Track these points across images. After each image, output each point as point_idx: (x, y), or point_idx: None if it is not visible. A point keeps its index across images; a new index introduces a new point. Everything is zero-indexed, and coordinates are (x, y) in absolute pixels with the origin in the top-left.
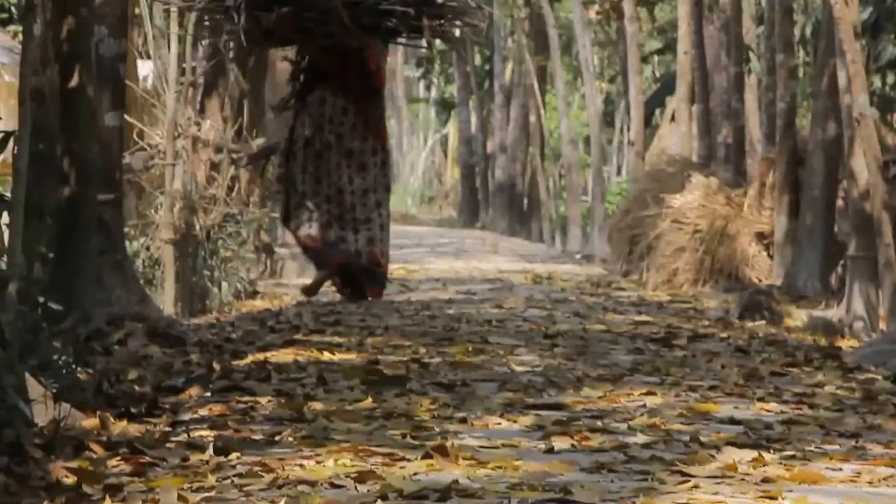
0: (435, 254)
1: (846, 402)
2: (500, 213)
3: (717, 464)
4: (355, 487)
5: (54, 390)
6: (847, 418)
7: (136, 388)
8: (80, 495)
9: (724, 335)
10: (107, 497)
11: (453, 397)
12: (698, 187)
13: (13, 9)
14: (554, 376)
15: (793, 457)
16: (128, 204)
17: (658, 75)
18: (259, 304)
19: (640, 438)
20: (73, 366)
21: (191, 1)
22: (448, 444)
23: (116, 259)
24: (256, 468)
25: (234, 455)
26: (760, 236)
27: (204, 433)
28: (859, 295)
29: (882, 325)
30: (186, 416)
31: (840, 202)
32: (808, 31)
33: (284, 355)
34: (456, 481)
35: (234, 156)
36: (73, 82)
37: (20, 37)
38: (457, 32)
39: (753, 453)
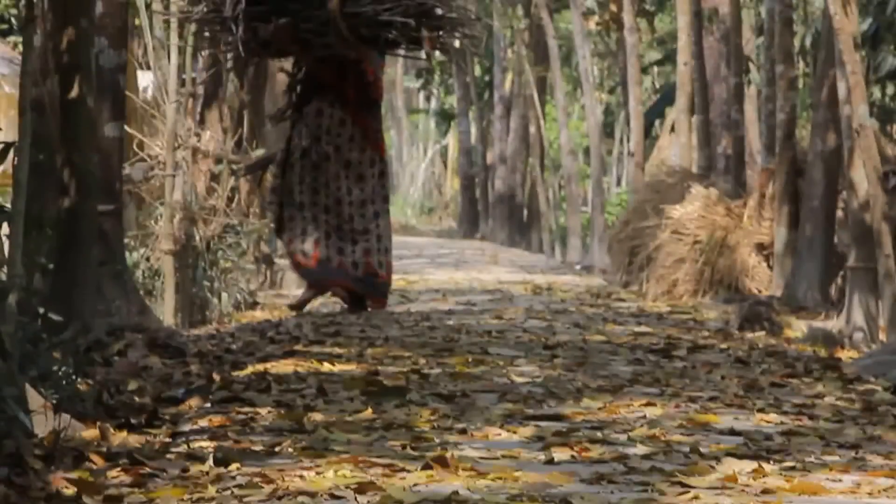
0: (435, 265)
1: (846, 413)
2: (499, 224)
3: (717, 475)
4: (355, 498)
5: (54, 401)
6: (847, 429)
7: (136, 398)
8: None
9: (723, 346)
10: None
11: (453, 408)
12: (698, 198)
13: (13, 19)
14: (554, 387)
15: (793, 468)
16: (128, 215)
17: (658, 86)
18: (259, 314)
19: (640, 449)
20: (73, 376)
21: (188, 12)
22: (448, 454)
23: (116, 270)
24: (256, 479)
25: (234, 466)
26: (760, 247)
27: (204, 444)
28: (859, 306)
29: (882, 336)
30: (186, 427)
31: (840, 213)
32: (807, 42)
33: (284, 366)
34: (456, 492)
35: (234, 166)
36: (73, 93)
37: (20, 48)
38: (456, 43)
39: (753, 464)
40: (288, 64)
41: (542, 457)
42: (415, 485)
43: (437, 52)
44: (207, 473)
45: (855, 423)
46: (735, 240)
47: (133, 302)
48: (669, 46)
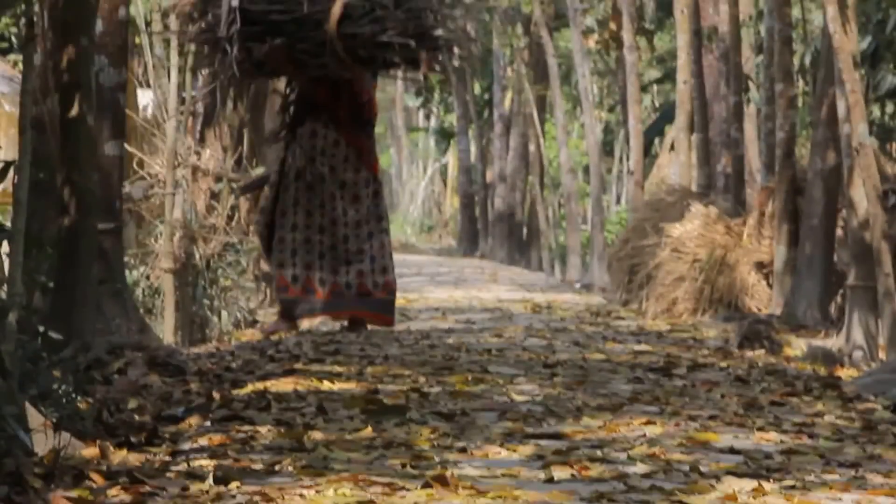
0: (434, 283)
1: (846, 431)
2: (499, 243)
3: (717, 494)
4: None
5: (54, 420)
6: (847, 448)
7: (136, 417)
8: None
9: (723, 364)
10: None
11: (453, 427)
12: (697, 216)
13: (13, 38)
14: (553, 406)
15: (793, 487)
16: (128, 233)
17: (657, 105)
18: (259, 333)
19: (640, 468)
20: (73, 395)
21: (184, 32)
22: (448, 473)
23: (116, 288)
24: (256, 498)
25: (233, 484)
26: (760, 265)
27: (204, 462)
28: (859, 324)
29: (881, 355)
30: (186, 446)
31: (839, 231)
32: (807, 61)
33: (284, 385)
34: None
35: (234, 185)
36: (74, 112)
37: (20, 66)
38: (455, 63)
39: (753, 483)
40: (282, 83)
41: (541, 475)
42: (415, 503)
43: (435, 72)
44: (207, 492)
45: (855, 441)
46: (735, 258)
47: (133, 320)
48: (669, 65)
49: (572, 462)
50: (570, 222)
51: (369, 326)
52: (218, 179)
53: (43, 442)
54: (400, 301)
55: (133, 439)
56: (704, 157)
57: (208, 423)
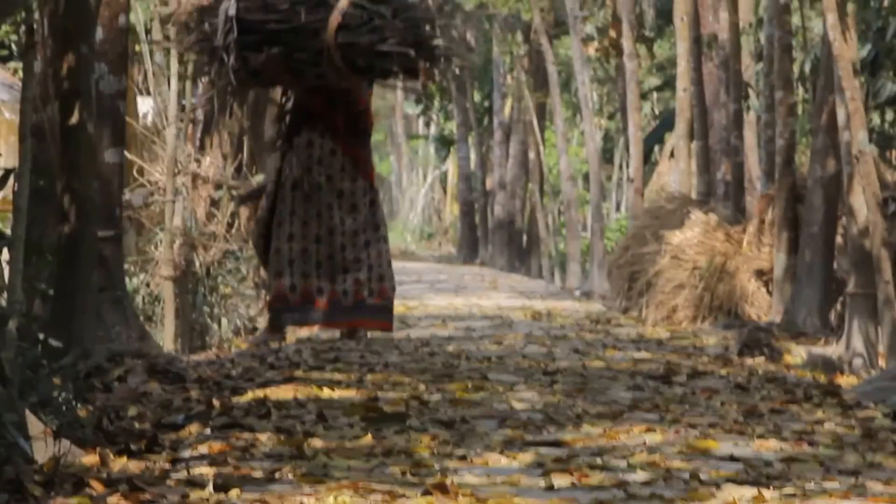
0: (434, 290)
1: (846, 439)
2: (499, 250)
3: (717, 501)
4: None
5: (54, 427)
6: (847, 456)
7: (136, 424)
8: None
9: (723, 372)
10: None
11: (453, 434)
12: (697, 224)
13: (13, 45)
14: (553, 413)
15: (793, 494)
16: (128, 240)
17: (657, 112)
18: (248, 344)
19: (640, 476)
20: (73, 402)
21: (180, 40)
22: (448, 481)
23: (116, 296)
24: None
25: (234, 492)
26: (760, 273)
27: (204, 470)
28: (859, 332)
29: (881, 363)
30: (186, 453)
31: (839, 239)
32: (807, 69)
33: (284, 392)
34: None
35: (234, 192)
36: (74, 119)
37: (20, 74)
38: (453, 72)
39: (753, 490)
40: (277, 92)
41: (541, 483)
42: None
43: (433, 82)
44: (207, 500)
45: (855, 449)
46: (734, 265)
47: (133, 328)
48: (669, 72)
49: (572, 470)
50: (570, 230)
51: (369, 334)
52: (218, 187)
53: (43, 449)
54: (399, 308)
55: (133, 447)
56: (704, 165)
57: (208, 431)
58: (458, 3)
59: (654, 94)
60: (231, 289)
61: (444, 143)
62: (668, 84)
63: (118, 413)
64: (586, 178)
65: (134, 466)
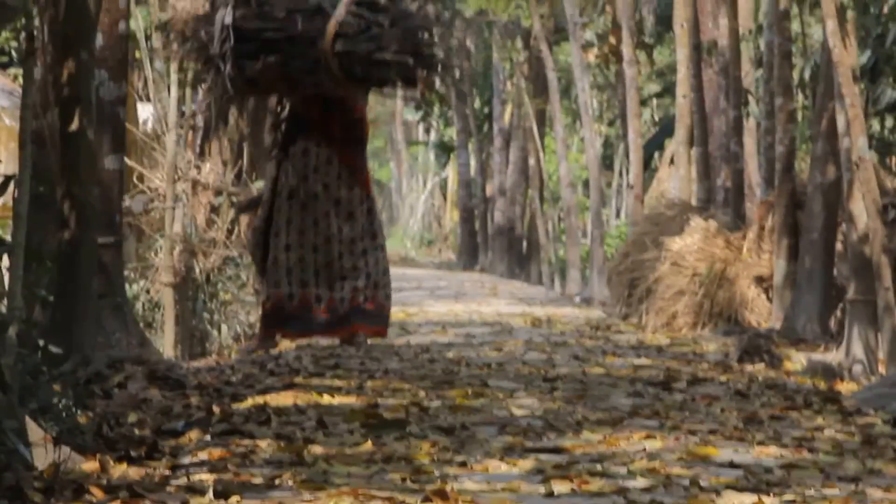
0: (434, 297)
1: (846, 445)
2: (499, 256)
3: None
4: None
5: (54, 434)
6: (847, 462)
7: (136, 431)
8: None
9: (723, 379)
10: None
11: (453, 441)
12: (697, 230)
13: (13, 52)
14: (553, 420)
15: (793, 501)
16: (128, 247)
17: (657, 118)
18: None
19: (640, 482)
20: (73, 409)
21: (177, 47)
22: (448, 487)
23: (116, 302)
24: None
25: (234, 498)
26: (759, 279)
27: (204, 476)
28: (858, 338)
29: (881, 369)
30: (186, 460)
31: (839, 246)
32: (806, 75)
33: (284, 398)
34: None
35: (234, 199)
36: (74, 126)
37: (20, 80)
38: (451, 81)
39: (753, 497)
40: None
41: (541, 490)
42: None
43: (431, 92)
44: None
45: (855, 456)
46: (734, 272)
47: (133, 334)
48: (669, 79)
49: (572, 476)
50: (570, 236)
51: (369, 340)
52: (218, 193)
53: (43, 456)
54: (400, 315)
55: (133, 453)
56: (704, 171)
57: (208, 437)
58: (459, 9)
59: (654, 101)
60: (231, 295)
61: (444, 149)
62: (668, 90)
63: (118, 419)
64: (586, 184)
65: (134, 473)
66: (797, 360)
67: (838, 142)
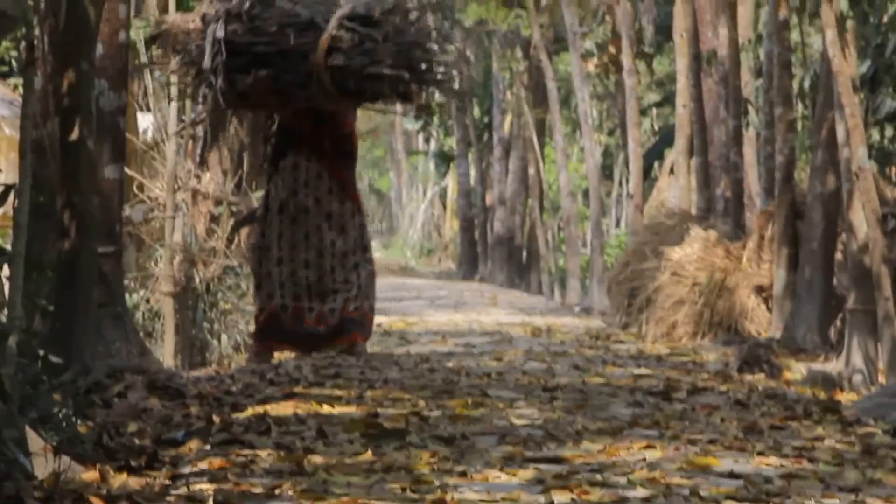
0: (434, 306)
1: (846, 455)
2: (499, 266)
3: None
4: None
5: (54, 443)
6: (847, 472)
7: (136, 440)
8: None
9: (723, 388)
10: None
11: (453, 451)
12: (697, 240)
13: (13, 62)
14: (553, 430)
15: None
16: (127, 256)
17: (657, 128)
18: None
19: (640, 492)
20: (73, 418)
21: (165, 62)
22: (448, 497)
23: (116, 312)
24: None
25: None
26: (759, 289)
27: (204, 486)
28: (858, 348)
29: (881, 379)
30: (186, 470)
31: (839, 255)
32: (806, 85)
33: (284, 408)
34: None
35: (234, 208)
36: (74, 135)
37: (21, 90)
38: (448, 94)
39: None
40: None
41: (541, 499)
42: None
43: (425, 108)
44: None
45: (855, 466)
46: (734, 282)
47: (133, 344)
48: (668, 88)
49: (572, 486)
50: (570, 246)
51: (369, 349)
52: (218, 203)
53: (43, 465)
54: (400, 324)
55: (133, 463)
56: (704, 181)
57: (208, 447)
58: (458, 19)
59: (654, 111)
60: (231, 305)
61: (444, 158)
62: (668, 100)
63: (118, 429)
64: (586, 194)
65: (134, 482)
66: (797, 369)
67: (838, 152)
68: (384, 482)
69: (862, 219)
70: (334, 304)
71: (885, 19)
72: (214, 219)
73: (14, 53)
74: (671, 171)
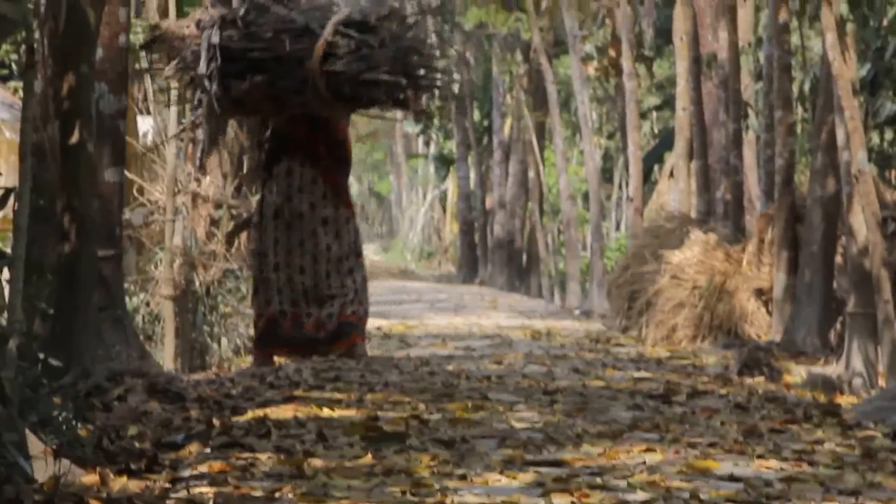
0: (434, 309)
1: (846, 459)
2: (498, 269)
3: None
4: None
5: (54, 446)
6: (847, 475)
7: (136, 444)
8: None
9: (723, 392)
10: None
11: (453, 454)
12: (697, 243)
13: (14, 65)
14: (553, 433)
15: None
16: (128, 260)
17: (656, 131)
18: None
19: (640, 495)
20: (73, 422)
21: (160, 67)
22: (448, 500)
23: (116, 315)
24: None
25: None
26: (759, 292)
27: (204, 490)
28: (858, 351)
29: (881, 382)
30: (186, 473)
31: (839, 258)
32: (806, 88)
33: (284, 411)
34: None
35: (234, 212)
36: (74, 138)
37: (21, 93)
38: (443, 100)
39: None
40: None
41: (541, 503)
42: None
43: (421, 115)
44: None
45: (855, 469)
46: (734, 285)
47: (133, 347)
48: (668, 92)
49: (572, 489)
50: (570, 249)
51: (368, 352)
52: (218, 206)
53: (43, 469)
54: (400, 327)
55: (133, 466)
56: (704, 184)
57: (208, 450)
58: (458, 22)
59: (654, 114)
60: (231, 308)
61: (444, 162)
62: (668, 103)
63: (118, 432)
64: (586, 197)
65: (134, 486)
66: (797, 372)
67: (838, 155)
68: (384, 485)
69: (862, 222)
70: (332, 308)
71: (885, 23)
72: (214, 222)
73: (14, 57)
74: (671, 174)
